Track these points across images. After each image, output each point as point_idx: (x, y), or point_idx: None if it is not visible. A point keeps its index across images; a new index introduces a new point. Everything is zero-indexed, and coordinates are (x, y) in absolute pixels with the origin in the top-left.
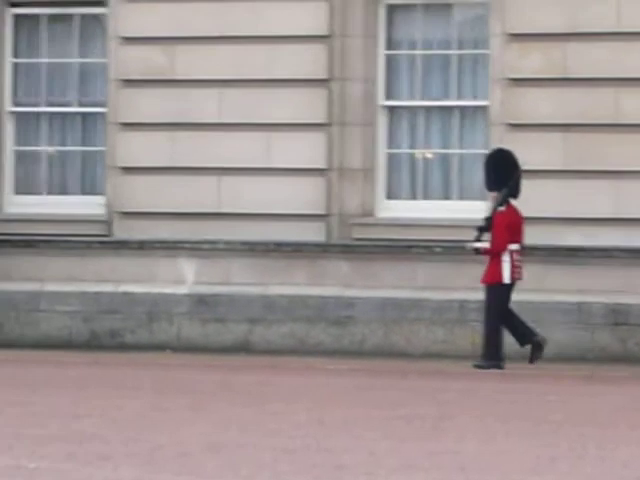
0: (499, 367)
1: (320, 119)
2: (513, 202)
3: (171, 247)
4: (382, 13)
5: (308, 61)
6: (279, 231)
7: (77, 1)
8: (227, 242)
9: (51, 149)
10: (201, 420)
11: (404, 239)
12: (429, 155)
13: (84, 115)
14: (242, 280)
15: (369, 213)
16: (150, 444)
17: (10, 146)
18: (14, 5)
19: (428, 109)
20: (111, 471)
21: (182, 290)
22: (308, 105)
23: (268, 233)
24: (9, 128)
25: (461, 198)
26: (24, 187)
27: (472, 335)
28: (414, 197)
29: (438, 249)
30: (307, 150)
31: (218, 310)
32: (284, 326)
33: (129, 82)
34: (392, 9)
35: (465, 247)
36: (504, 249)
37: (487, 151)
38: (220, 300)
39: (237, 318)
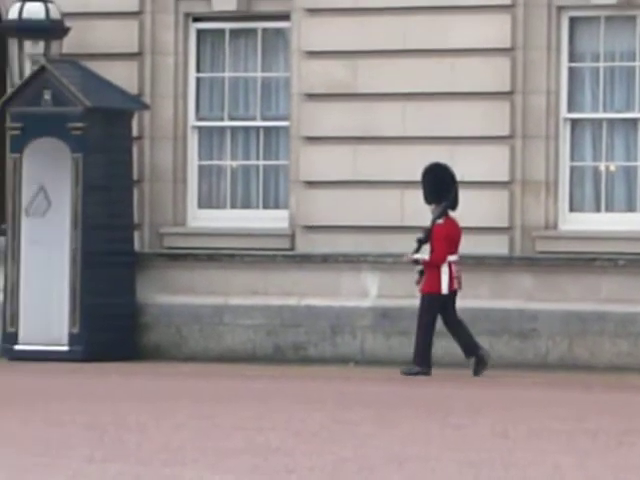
0: (427, 374)
1: (503, 132)
2: (451, 214)
3: (354, 260)
4: (565, 25)
5: (491, 74)
6: (462, 244)
7: (260, 16)
8: None
9: (234, 163)
10: (384, 433)
11: (588, 252)
12: (612, 168)
13: (267, 129)
14: None
15: (552, 226)
16: (334, 457)
17: (194, 160)
18: (197, 20)
19: (611, 121)
20: None
21: (365, 303)
22: (491, 118)
23: None
24: (193, 142)
25: None
26: (208, 201)
27: None
28: (598, 210)
29: (622, 262)
30: (490, 163)
31: (401, 323)
32: None
33: (312, 96)
34: (575, 21)
35: (403, 258)
36: (443, 260)
37: None
38: (403, 313)
39: None
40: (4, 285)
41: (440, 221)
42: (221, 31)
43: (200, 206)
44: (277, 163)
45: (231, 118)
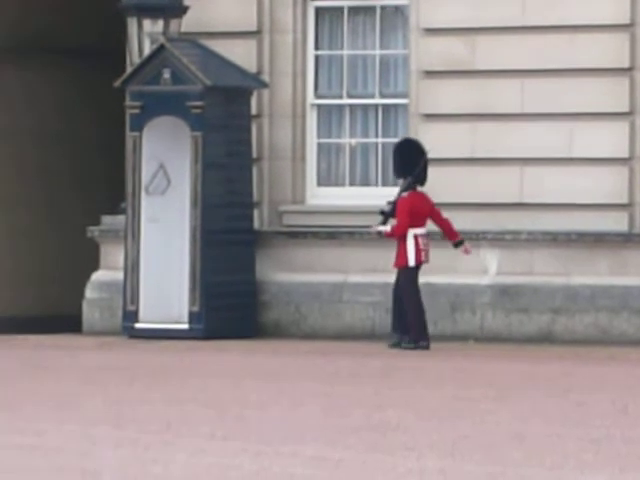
0: (425, 347)
1: (622, 108)
2: (420, 188)
3: (474, 237)
4: None
5: (610, 50)
6: (581, 221)
7: None
8: (529, 232)
9: (353, 141)
10: (505, 410)
11: None
12: None
13: (385, 107)
14: (545, 270)
15: None
16: (454, 434)
17: (313, 138)
18: None
19: None
20: (415, 461)
21: (485, 281)
22: (610, 94)
23: (570, 223)
24: (312, 120)
25: None
26: (327, 179)
27: None
28: None
29: None
30: (609, 139)
31: (521, 300)
32: (587, 316)
33: (430, 73)
34: None
35: (369, 231)
36: (404, 233)
37: None
38: (523, 290)
39: (540, 308)
40: (124, 263)
41: (405, 195)
42: (339, 9)
43: (319, 184)
44: (395, 140)
45: (350, 96)
